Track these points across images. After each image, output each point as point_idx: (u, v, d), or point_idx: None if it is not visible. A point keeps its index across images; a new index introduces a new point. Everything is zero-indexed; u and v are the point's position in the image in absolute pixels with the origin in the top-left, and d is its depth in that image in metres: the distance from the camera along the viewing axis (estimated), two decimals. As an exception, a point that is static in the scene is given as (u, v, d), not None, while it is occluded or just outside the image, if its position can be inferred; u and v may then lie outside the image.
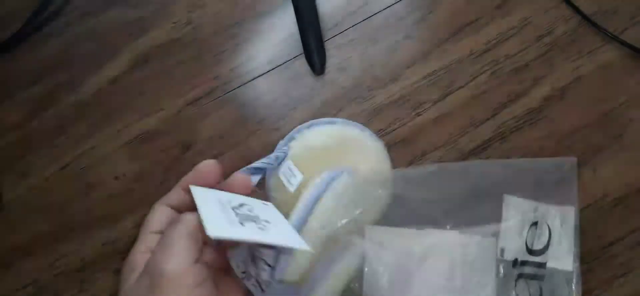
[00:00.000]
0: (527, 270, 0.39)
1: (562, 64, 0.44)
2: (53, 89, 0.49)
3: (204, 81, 0.47)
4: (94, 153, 0.48)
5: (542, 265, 0.39)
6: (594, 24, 0.43)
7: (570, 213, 0.40)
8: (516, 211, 0.40)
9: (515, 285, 0.38)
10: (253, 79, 0.47)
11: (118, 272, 0.46)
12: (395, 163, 0.44)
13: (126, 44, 0.49)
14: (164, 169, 0.47)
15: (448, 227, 0.39)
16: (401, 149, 0.44)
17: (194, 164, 0.46)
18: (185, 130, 0.47)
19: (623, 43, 0.43)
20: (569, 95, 0.43)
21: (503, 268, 0.38)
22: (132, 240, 0.46)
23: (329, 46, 0.47)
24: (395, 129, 0.45)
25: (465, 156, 0.43)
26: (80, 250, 0.46)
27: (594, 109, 0.42)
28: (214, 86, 0.47)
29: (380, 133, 0.45)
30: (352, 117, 0.45)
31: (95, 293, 0.46)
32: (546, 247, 0.39)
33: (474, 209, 0.39)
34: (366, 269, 0.38)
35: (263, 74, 0.47)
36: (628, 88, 0.43)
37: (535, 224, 0.39)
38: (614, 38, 0.43)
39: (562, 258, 0.39)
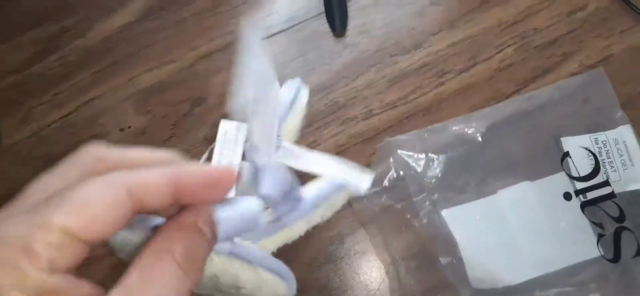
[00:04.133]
0: (593, 194, 0.39)
1: (592, 41, 0.42)
2: (58, 33, 0.46)
3: (219, 34, 0.45)
4: (99, 102, 0.45)
5: (603, 184, 0.39)
6: (628, 2, 0.42)
7: (627, 132, 0.40)
8: (581, 149, 0.40)
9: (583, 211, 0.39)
10: (270, 36, 0.45)
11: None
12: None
13: (139, -9, 0.46)
14: (171, 124, 0.45)
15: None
16: (421, 118, 0.42)
17: (203, 122, 0.44)
18: (196, 85, 0.45)
19: (656, 24, 0.42)
20: (597, 75, 0.42)
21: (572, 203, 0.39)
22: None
23: (352, 7, 0.45)
24: (417, 98, 0.43)
25: (489, 128, 0.42)
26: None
27: (622, 90, 0.41)
28: (229, 40, 0.45)
29: (399, 102, 0.43)
30: (372, 84, 0.44)
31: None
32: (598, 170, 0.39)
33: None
34: (461, 254, 0.38)
35: (281, 31, 0.45)
36: (658, 71, 0.42)
37: (595, 154, 0.40)
38: (647, 19, 0.42)
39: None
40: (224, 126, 0.31)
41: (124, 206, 0.18)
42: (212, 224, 0.21)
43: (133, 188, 0.18)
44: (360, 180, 0.29)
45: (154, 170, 0.19)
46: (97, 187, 0.18)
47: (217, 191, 0.21)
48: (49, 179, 0.19)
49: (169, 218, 0.21)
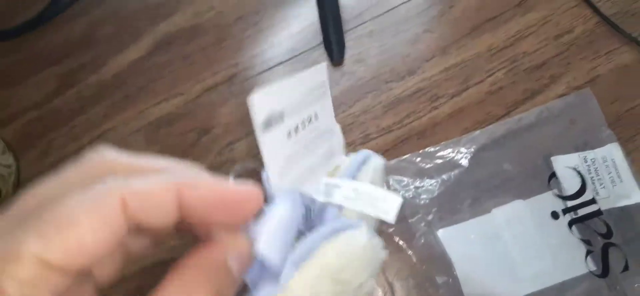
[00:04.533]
0: (581, 212, 0.40)
1: (580, 63, 0.44)
2: (76, 69, 0.50)
3: (224, 67, 0.48)
4: (112, 135, 0.48)
5: (589, 202, 0.40)
6: (613, 25, 0.44)
7: (615, 150, 0.41)
8: (567, 168, 0.41)
9: (571, 230, 0.40)
10: (272, 67, 0.48)
11: (132, 251, 0.46)
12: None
13: (148, 28, 0.49)
14: (180, 153, 0.47)
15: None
16: (416, 142, 0.44)
17: (209, 150, 0.47)
18: (203, 115, 0.48)
19: (641, 45, 0.43)
20: (586, 95, 0.44)
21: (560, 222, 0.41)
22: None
23: (349, 37, 0.47)
24: (411, 122, 0.45)
25: (479, 150, 0.43)
26: (96, 228, 0.47)
27: (610, 109, 0.43)
28: (234, 72, 0.48)
29: (395, 126, 0.45)
30: (369, 109, 0.46)
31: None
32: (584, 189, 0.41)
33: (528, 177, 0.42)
34: (456, 272, 0.40)
35: (283, 62, 0.48)
36: (645, 90, 0.43)
37: (582, 173, 0.41)
38: (632, 40, 0.43)
39: (630, 193, 0.40)
40: None
41: (116, 222, 0.15)
42: (244, 259, 0.18)
43: (128, 197, 0.15)
44: (385, 210, 0.26)
45: (157, 176, 0.16)
46: (83, 199, 0.14)
47: (235, 216, 0.17)
48: (48, 187, 0.16)
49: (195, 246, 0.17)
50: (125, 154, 0.18)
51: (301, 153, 0.26)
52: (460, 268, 0.40)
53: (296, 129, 0.26)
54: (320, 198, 0.27)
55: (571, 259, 0.39)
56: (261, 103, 0.23)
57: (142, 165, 0.17)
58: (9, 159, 0.46)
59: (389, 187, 0.42)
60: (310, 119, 0.27)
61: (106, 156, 0.17)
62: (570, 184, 0.41)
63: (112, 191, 0.15)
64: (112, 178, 0.16)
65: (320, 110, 0.27)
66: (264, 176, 0.25)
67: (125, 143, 0.48)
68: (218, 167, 0.46)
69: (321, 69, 0.27)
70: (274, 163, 0.25)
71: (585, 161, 0.41)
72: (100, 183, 0.15)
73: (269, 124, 0.23)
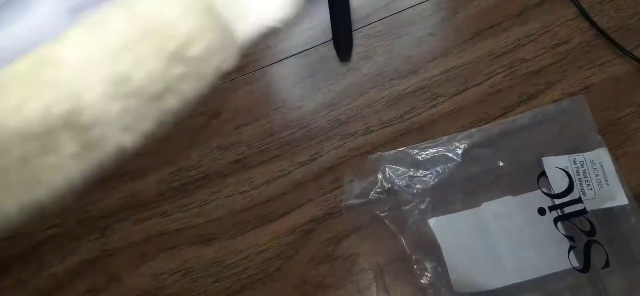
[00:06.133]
0: (567, 209, 0.42)
1: (574, 72, 0.46)
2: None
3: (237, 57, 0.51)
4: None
5: (575, 201, 0.42)
6: (609, 38, 0.46)
7: (604, 155, 0.43)
8: (557, 169, 0.43)
9: (556, 226, 0.42)
10: (282, 59, 0.50)
11: (137, 222, 0.49)
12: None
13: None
14: (191, 133, 0.50)
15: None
16: (414, 136, 0.47)
17: (218, 132, 0.49)
18: (215, 101, 0.50)
19: (634, 58, 0.45)
20: (579, 103, 0.46)
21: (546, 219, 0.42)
22: (155, 194, 0.49)
23: (357, 36, 0.50)
24: (411, 117, 0.47)
25: (475, 147, 0.45)
26: (105, 199, 0.50)
27: (601, 116, 0.45)
28: (246, 62, 0.51)
29: (395, 120, 0.47)
30: (371, 103, 0.48)
31: (115, 240, 0.49)
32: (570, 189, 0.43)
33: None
34: (445, 260, 0.42)
35: (292, 55, 0.50)
36: (635, 100, 0.45)
37: (570, 174, 0.43)
38: (626, 53, 0.45)
39: (615, 195, 0.42)
40: None
41: None
42: None
43: None
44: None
45: None
46: None
47: None
48: None
49: None
50: None
51: None
52: (449, 256, 0.42)
53: None
54: None
55: (555, 254, 0.41)
56: None
57: None
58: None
59: (384, 175, 0.44)
60: None
61: None
62: (559, 184, 0.42)
63: None
64: None
65: None
66: None
67: (139, 121, 0.50)
68: (225, 148, 0.49)
69: None
70: None
71: (574, 163, 0.43)
72: None
73: None
